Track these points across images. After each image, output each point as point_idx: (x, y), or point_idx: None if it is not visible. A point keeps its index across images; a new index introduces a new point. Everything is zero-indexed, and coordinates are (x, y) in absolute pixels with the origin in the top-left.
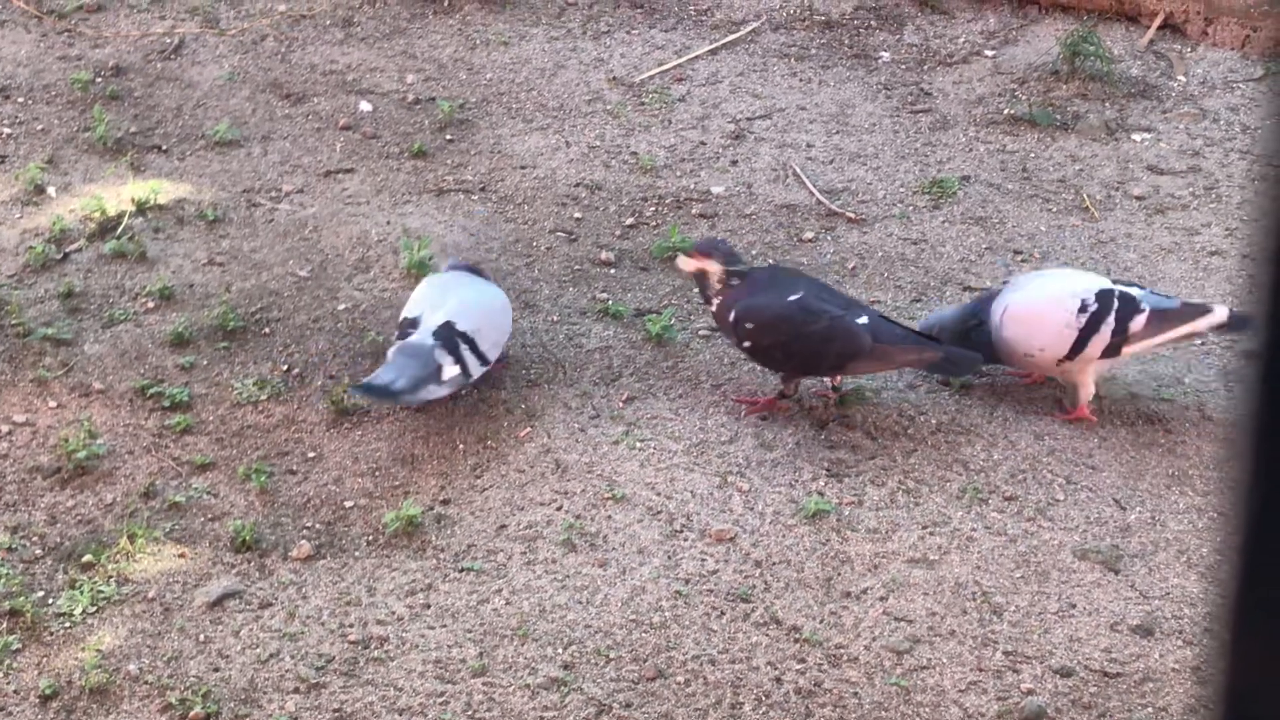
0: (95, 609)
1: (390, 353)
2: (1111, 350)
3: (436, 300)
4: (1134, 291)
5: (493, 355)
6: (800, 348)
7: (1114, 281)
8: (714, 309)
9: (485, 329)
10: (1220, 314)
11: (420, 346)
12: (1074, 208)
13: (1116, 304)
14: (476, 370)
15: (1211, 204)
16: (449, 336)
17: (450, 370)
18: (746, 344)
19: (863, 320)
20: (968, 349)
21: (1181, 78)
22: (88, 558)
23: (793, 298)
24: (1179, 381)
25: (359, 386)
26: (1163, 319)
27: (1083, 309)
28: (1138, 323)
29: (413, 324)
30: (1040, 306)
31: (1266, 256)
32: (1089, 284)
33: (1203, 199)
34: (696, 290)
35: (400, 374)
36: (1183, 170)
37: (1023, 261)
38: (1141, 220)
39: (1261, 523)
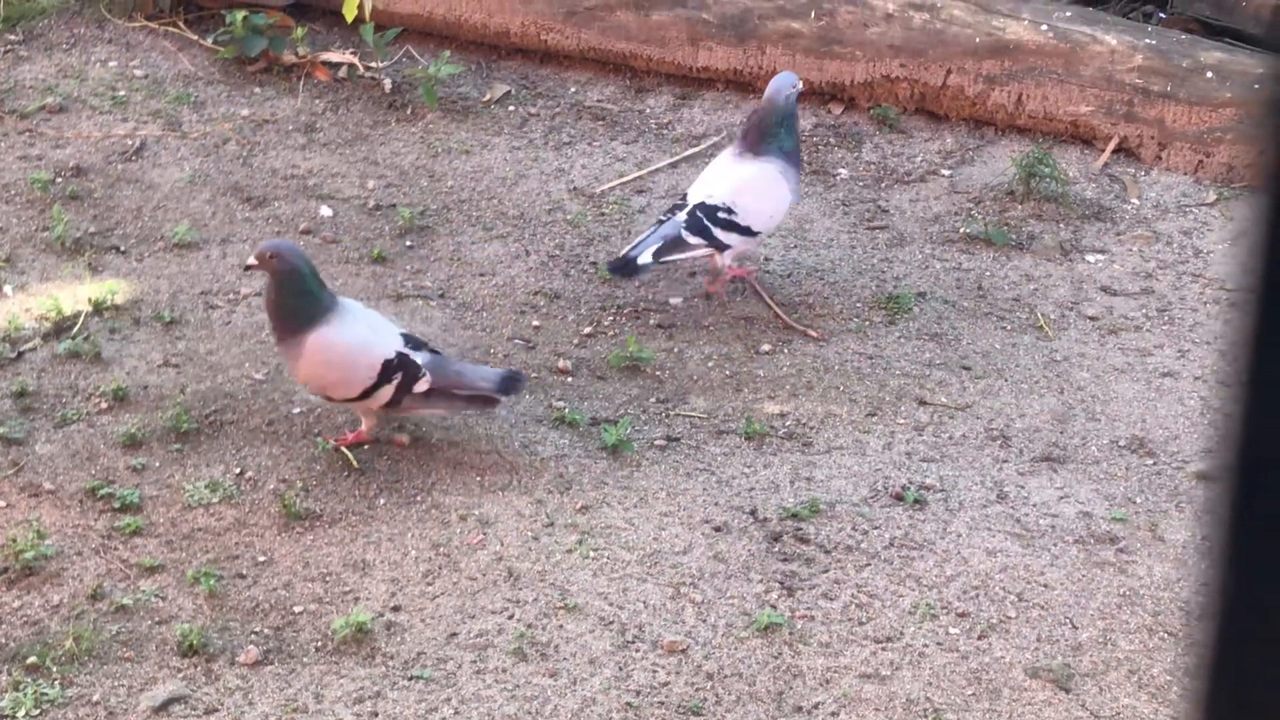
0: (39, 712)
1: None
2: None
3: None
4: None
5: None
6: None
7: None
8: None
9: None
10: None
11: None
12: (1028, 326)
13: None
14: None
15: (1164, 326)
16: None
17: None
18: None
19: None
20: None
21: (1135, 201)
22: (32, 659)
23: None
24: (1131, 501)
25: None
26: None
27: None
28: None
29: None
30: None
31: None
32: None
33: (1155, 320)
34: None
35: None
36: (1136, 292)
37: (976, 379)
38: (1095, 340)
39: (1231, 651)
